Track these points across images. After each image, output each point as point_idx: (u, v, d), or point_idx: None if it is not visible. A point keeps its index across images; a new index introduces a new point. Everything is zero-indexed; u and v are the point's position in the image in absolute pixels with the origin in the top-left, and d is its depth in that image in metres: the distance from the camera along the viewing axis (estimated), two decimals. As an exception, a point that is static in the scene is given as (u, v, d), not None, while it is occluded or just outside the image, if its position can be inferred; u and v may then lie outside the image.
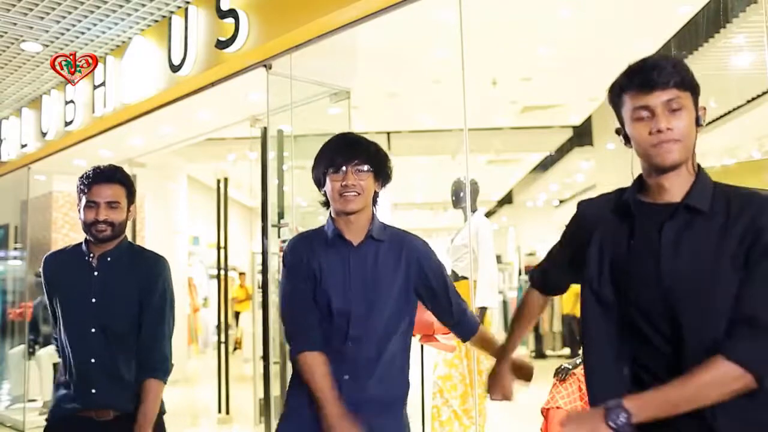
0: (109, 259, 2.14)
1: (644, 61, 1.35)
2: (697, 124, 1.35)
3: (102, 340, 2.08)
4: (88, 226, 2.10)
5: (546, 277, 1.71)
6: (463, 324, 1.95)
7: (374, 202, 1.87)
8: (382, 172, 1.84)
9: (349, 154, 1.78)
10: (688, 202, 1.33)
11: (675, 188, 1.35)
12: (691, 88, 1.34)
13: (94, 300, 2.09)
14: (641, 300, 1.33)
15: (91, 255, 2.14)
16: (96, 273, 2.12)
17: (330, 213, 1.86)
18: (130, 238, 2.22)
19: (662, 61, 1.33)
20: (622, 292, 1.37)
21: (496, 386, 1.74)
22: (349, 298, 1.78)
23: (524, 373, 1.83)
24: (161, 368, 2.11)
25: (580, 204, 1.54)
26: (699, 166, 1.38)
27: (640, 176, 1.42)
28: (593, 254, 1.42)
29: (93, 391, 2.06)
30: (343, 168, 1.76)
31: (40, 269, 2.21)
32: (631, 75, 1.35)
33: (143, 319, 2.12)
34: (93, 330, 2.07)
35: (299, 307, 1.81)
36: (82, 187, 2.11)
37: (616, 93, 1.39)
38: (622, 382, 1.35)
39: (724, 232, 1.29)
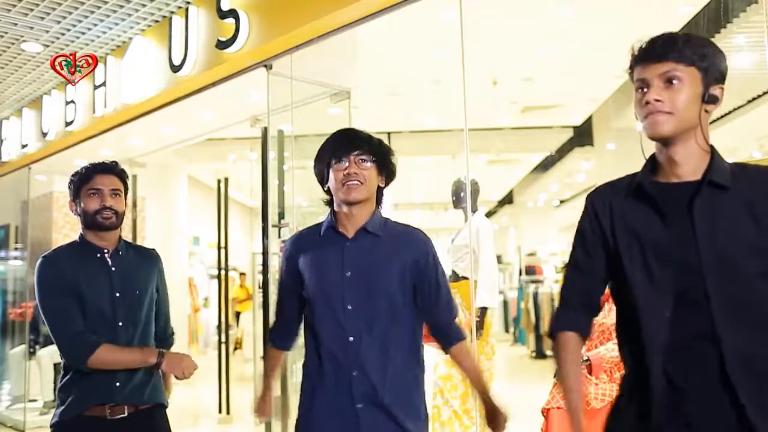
0: (120, 253, 2.18)
1: (657, 35, 1.35)
2: (706, 101, 1.33)
3: (128, 333, 2.12)
4: (93, 215, 2.10)
5: (589, 301, 1.48)
6: (443, 332, 1.90)
7: (379, 200, 1.87)
8: (385, 165, 1.84)
9: (352, 145, 1.80)
10: (712, 178, 1.31)
11: (687, 163, 1.34)
12: (697, 64, 1.31)
13: (118, 294, 2.12)
14: (678, 284, 1.29)
15: (106, 251, 2.15)
16: (114, 268, 2.14)
17: (332, 208, 1.87)
18: (130, 239, 2.24)
19: (672, 35, 1.33)
20: (652, 273, 1.32)
21: None
22: (344, 290, 1.77)
23: (495, 422, 1.87)
24: (172, 339, 2.39)
25: (590, 196, 1.49)
26: (712, 146, 1.36)
27: (652, 156, 1.40)
28: (622, 237, 1.38)
29: (117, 384, 2.07)
30: (346, 158, 1.78)
31: (41, 270, 2.10)
32: (640, 49, 1.36)
33: (160, 305, 2.29)
34: (120, 324, 2.10)
35: (280, 298, 1.99)
36: (81, 178, 2.13)
37: (630, 68, 1.39)
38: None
39: (752, 209, 1.28)
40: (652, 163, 1.40)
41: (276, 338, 2.03)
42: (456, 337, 1.89)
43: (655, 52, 1.32)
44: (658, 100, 1.30)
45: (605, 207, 1.42)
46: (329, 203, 1.88)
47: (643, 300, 1.33)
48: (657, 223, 1.34)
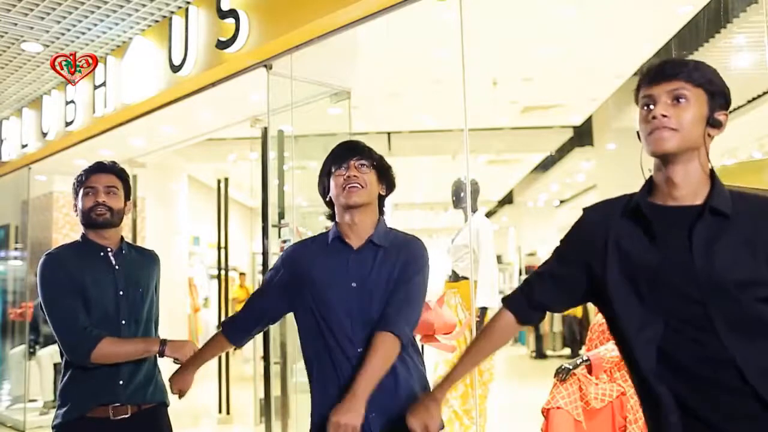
0: (123, 252, 2.20)
1: (667, 59, 1.37)
2: (711, 125, 1.34)
3: (131, 331, 2.14)
4: (87, 212, 2.13)
5: (532, 295, 1.55)
6: (382, 316, 1.75)
7: (381, 210, 1.88)
8: (384, 174, 1.86)
9: (352, 152, 1.82)
10: (714, 205, 1.30)
11: (686, 186, 1.33)
12: (705, 86, 1.33)
13: (121, 293, 2.14)
14: (674, 307, 1.29)
15: (109, 250, 2.17)
16: (117, 267, 2.16)
17: (335, 221, 1.87)
18: (130, 239, 2.24)
19: (682, 59, 1.35)
20: (642, 295, 1.33)
21: (416, 418, 1.60)
22: (351, 301, 1.77)
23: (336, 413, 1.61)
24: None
25: (586, 210, 1.50)
26: (713, 170, 1.35)
27: (650, 178, 1.40)
28: (612, 257, 1.37)
29: (120, 383, 2.07)
30: (346, 164, 1.80)
31: (46, 267, 2.09)
32: (649, 70, 1.37)
33: (156, 305, 2.30)
34: (123, 322, 2.12)
35: (256, 293, 2.04)
36: (80, 179, 2.17)
37: (637, 89, 1.39)
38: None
39: (753, 237, 1.27)
40: (650, 184, 1.40)
41: (229, 329, 2.01)
42: (387, 324, 1.72)
43: (666, 72, 1.33)
44: (664, 116, 1.31)
45: (600, 224, 1.42)
46: (331, 217, 1.88)
47: (631, 321, 1.34)
48: (651, 245, 1.33)
